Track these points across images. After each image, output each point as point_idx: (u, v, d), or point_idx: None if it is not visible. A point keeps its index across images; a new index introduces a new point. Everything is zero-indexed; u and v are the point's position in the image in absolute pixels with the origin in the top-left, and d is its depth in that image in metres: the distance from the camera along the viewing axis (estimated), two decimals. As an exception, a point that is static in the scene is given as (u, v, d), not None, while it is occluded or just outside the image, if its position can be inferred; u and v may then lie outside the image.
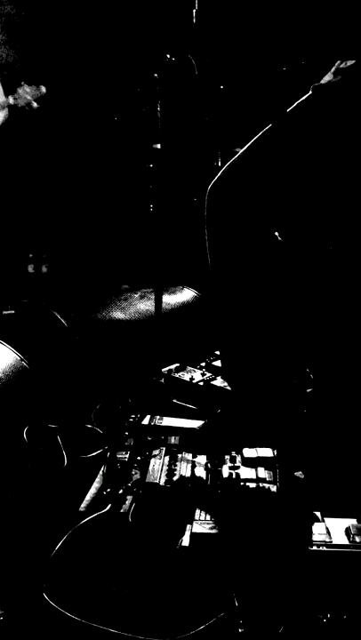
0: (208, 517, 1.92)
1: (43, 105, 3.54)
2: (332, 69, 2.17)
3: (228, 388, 2.78)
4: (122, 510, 2.02)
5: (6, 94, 3.58)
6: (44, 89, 3.49)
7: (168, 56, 3.20)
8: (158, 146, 3.06)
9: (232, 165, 2.23)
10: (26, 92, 3.48)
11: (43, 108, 3.62)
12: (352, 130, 2.10)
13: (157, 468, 2.23)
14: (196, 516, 1.92)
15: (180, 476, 2.17)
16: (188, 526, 1.88)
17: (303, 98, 2.19)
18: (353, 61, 2.10)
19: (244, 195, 2.18)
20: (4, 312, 3.88)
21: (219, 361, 3.14)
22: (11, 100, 3.51)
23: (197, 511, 1.95)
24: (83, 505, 2.09)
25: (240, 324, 2.27)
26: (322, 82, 2.19)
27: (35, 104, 3.51)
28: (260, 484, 2.07)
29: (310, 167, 2.16)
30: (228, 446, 2.24)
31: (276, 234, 2.24)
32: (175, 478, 2.17)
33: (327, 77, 2.18)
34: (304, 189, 2.19)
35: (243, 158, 2.22)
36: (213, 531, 1.85)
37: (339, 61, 2.17)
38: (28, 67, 4.07)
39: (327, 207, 2.24)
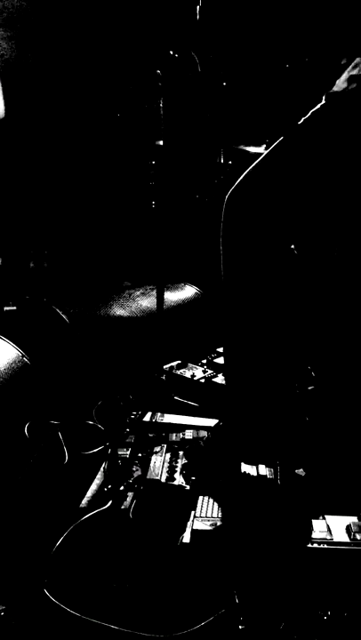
0: (209, 514, 1.92)
1: (26, 81, 3.49)
2: (344, 76, 2.15)
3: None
4: (123, 507, 2.03)
5: None
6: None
7: (171, 53, 3.20)
8: (161, 142, 3.06)
9: (251, 173, 2.22)
10: None
11: (42, 101, 3.59)
12: None
13: (159, 464, 2.23)
14: (198, 513, 1.92)
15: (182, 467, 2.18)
16: (189, 523, 1.88)
17: (317, 106, 2.17)
18: None
19: (262, 204, 2.17)
20: (6, 308, 3.89)
21: (220, 358, 3.14)
22: None
23: (198, 508, 1.95)
24: (84, 501, 2.09)
25: (248, 327, 2.27)
26: (335, 89, 2.18)
27: None
28: (262, 482, 2.07)
29: (325, 178, 2.15)
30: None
31: (293, 246, 2.25)
32: (177, 474, 2.17)
33: (341, 84, 2.16)
34: (319, 201, 2.18)
35: (262, 166, 2.21)
36: (214, 527, 1.86)
37: (351, 66, 2.15)
38: (30, 62, 4.06)
39: (341, 218, 2.24)
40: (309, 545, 1.73)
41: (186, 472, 2.19)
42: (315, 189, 2.14)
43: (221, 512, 1.94)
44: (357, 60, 2.12)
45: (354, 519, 1.83)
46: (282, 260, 2.22)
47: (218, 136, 3.96)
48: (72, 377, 2.92)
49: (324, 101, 2.16)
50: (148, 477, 2.16)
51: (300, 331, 2.31)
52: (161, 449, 2.34)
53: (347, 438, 2.26)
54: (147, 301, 3.46)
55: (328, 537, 1.75)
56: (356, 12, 2.17)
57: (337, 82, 2.17)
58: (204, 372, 3.02)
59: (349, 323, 2.29)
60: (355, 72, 2.11)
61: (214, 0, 3.57)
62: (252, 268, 2.21)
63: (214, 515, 1.93)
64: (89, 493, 2.14)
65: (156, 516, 2.01)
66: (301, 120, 2.15)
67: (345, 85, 2.12)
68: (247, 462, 2.16)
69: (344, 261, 2.24)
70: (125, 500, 2.06)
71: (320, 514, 1.84)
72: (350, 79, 2.11)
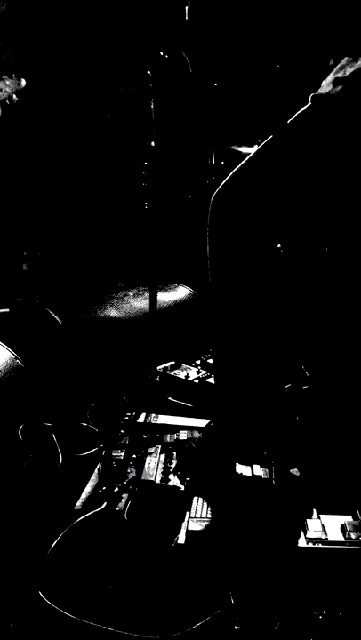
0: (204, 515, 1.92)
1: (24, 99, 3.53)
2: (330, 78, 2.16)
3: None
4: (117, 508, 2.03)
5: None
6: (24, 82, 3.48)
7: (162, 53, 3.19)
8: (153, 143, 3.06)
9: (236, 174, 2.22)
10: (6, 85, 3.47)
11: (34, 104, 3.60)
12: (353, 141, 2.10)
13: (153, 465, 2.23)
14: (192, 514, 1.92)
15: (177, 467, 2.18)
16: (184, 524, 1.88)
17: (303, 108, 2.18)
18: (352, 69, 2.09)
19: (247, 206, 2.17)
20: (-1, 310, 3.88)
21: (214, 359, 3.14)
22: None
23: (193, 508, 1.95)
24: (78, 503, 2.09)
25: (236, 327, 2.27)
26: (321, 91, 2.19)
27: (15, 97, 3.50)
28: (256, 482, 2.07)
29: (312, 178, 2.15)
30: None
31: (279, 246, 2.25)
32: (171, 475, 2.17)
33: (326, 87, 2.17)
34: (306, 201, 2.19)
35: (247, 167, 2.21)
36: (209, 528, 1.86)
37: (336, 68, 2.16)
38: (19, 64, 4.05)
39: (327, 217, 2.24)
40: (304, 544, 1.73)
41: (180, 473, 2.19)
42: (301, 190, 2.15)
43: (213, 512, 1.93)
44: (343, 61, 2.13)
45: (348, 518, 1.83)
46: (268, 260, 2.22)
47: (210, 137, 3.96)
48: (66, 379, 2.92)
49: (310, 103, 2.17)
50: (142, 479, 2.16)
51: (288, 330, 2.32)
52: (155, 450, 2.34)
53: (341, 438, 2.26)
54: (140, 302, 3.46)
55: (323, 536, 1.76)
56: (345, 12, 2.17)
57: (323, 84, 2.17)
58: (198, 372, 3.02)
59: (340, 321, 2.29)
60: (340, 74, 2.11)
61: (203, 0, 3.57)
62: (238, 269, 2.21)
63: (209, 515, 1.93)
64: (83, 495, 2.13)
65: (150, 518, 2.01)
66: (288, 121, 2.15)
67: (330, 88, 2.13)
68: (241, 462, 2.16)
69: (334, 259, 2.25)
70: (120, 501, 2.06)
71: (315, 513, 1.85)
72: (335, 82, 2.12)
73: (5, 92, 3.44)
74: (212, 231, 2.24)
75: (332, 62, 2.19)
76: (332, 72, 2.15)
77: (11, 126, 3.89)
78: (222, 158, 3.87)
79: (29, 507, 2.13)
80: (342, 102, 2.09)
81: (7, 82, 3.44)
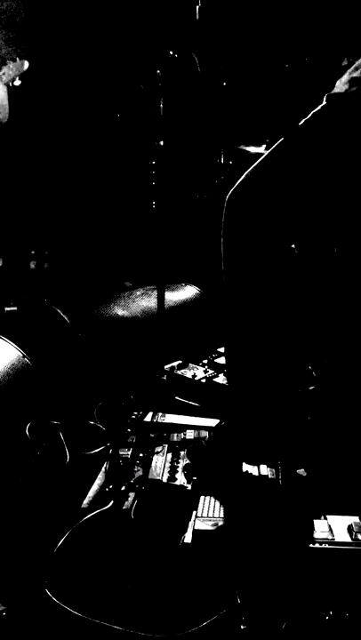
0: (210, 514, 1.92)
1: (27, 82, 3.54)
2: (345, 78, 2.15)
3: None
4: (124, 507, 2.03)
5: None
6: (26, 64, 3.50)
7: (171, 53, 3.20)
8: (161, 143, 3.06)
9: (251, 174, 2.22)
10: (10, 69, 3.49)
11: (44, 103, 3.62)
12: None
13: (160, 464, 2.23)
14: (199, 513, 1.92)
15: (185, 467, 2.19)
16: (191, 523, 1.88)
17: (318, 108, 2.17)
18: None
19: (262, 205, 2.17)
20: (7, 308, 3.89)
21: (221, 358, 3.14)
22: None
23: (200, 508, 1.95)
24: (85, 501, 2.09)
25: (249, 327, 2.27)
26: (336, 90, 2.18)
27: (18, 81, 3.51)
28: (263, 481, 2.07)
29: (327, 178, 2.15)
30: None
31: (293, 246, 2.25)
32: (178, 474, 2.17)
33: (342, 86, 2.16)
34: (320, 201, 2.19)
35: (262, 167, 2.21)
36: (216, 528, 1.86)
37: (352, 68, 2.15)
38: (31, 65, 4.06)
39: (341, 218, 2.24)
40: (311, 545, 1.73)
41: (188, 472, 2.19)
42: (315, 190, 2.14)
43: (220, 511, 1.93)
44: (359, 61, 2.12)
45: (355, 519, 1.82)
46: (283, 260, 2.22)
47: (218, 136, 3.96)
48: (73, 377, 2.92)
49: (325, 102, 2.16)
50: (149, 477, 2.16)
51: (301, 330, 2.31)
52: (162, 449, 2.34)
53: (348, 438, 2.26)
54: (147, 301, 3.46)
55: (330, 537, 1.75)
56: (356, 12, 2.17)
57: (337, 83, 2.17)
58: (205, 372, 3.02)
59: (350, 322, 2.29)
60: (356, 74, 2.11)
61: (214, 0, 3.57)
62: (252, 269, 2.21)
63: (216, 515, 1.93)
64: (90, 494, 2.14)
65: (157, 517, 2.01)
66: (302, 121, 2.15)
67: (346, 87, 2.12)
68: (249, 462, 2.16)
69: (344, 260, 2.24)
70: (127, 500, 2.06)
71: (322, 514, 1.84)
72: (352, 81, 2.11)
73: (9, 74, 3.46)
74: (227, 231, 2.24)
75: (345, 62, 2.19)
76: (348, 72, 2.14)
77: (19, 124, 3.90)
78: (231, 158, 3.87)
79: (36, 504, 2.14)
80: (358, 102, 2.08)
81: (11, 65, 3.46)
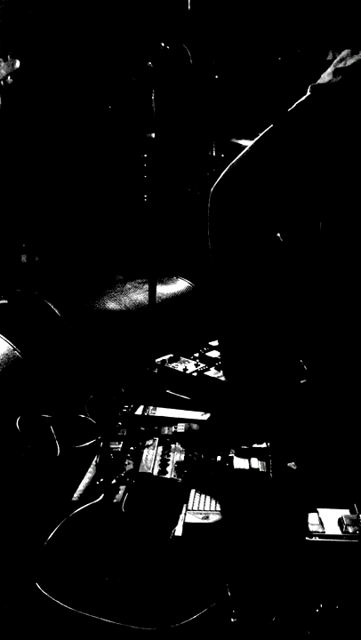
0: (201, 507, 1.92)
1: (20, 81, 3.51)
2: (330, 69, 2.15)
3: (222, 379, 2.77)
4: (115, 500, 2.02)
5: None
6: (18, 63, 3.47)
7: (163, 44, 3.18)
8: (153, 135, 3.05)
9: (235, 166, 2.22)
10: (1, 67, 3.46)
11: (33, 95, 3.59)
12: (352, 130, 2.09)
13: (151, 458, 2.23)
14: (190, 506, 1.92)
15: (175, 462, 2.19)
16: (181, 516, 1.88)
17: (303, 98, 2.17)
18: (353, 60, 2.08)
19: (247, 196, 2.17)
20: (-3, 302, 3.87)
21: (212, 352, 3.14)
22: None
23: (190, 501, 1.95)
24: (75, 495, 2.09)
25: (240, 317, 2.27)
26: (320, 81, 2.18)
27: (10, 79, 3.48)
28: (253, 475, 2.08)
29: (311, 168, 2.15)
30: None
31: (278, 235, 2.25)
32: (169, 468, 2.17)
33: (326, 77, 2.16)
34: (305, 190, 2.18)
35: (246, 159, 2.21)
36: (206, 521, 1.86)
37: (337, 60, 2.15)
38: (21, 56, 4.03)
39: (327, 208, 2.24)
40: (308, 538, 1.74)
41: (178, 465, 2.18)
42: (300, 180, 2.14)
43: (210, 504, 1.94)
44: (343, 53, 2.12)
45: (346, 512, 1.83)
46: (269, 250, 2.22)
47: (210, 129, 3.94)
48: (64, 370, 2.92)
49: (309, 93, 2.17)
50: (140, 471, 2.16)
51: (290, 322, 2.32)
52: (153, 442, 2.34)
53: (338, 431, 2.27)
54: (139, 295, 3.45)
55: (320, 530, 1.76)
56: (346, 4, 2.16)
57: (322, 75, 2.17)
58: (197, 365, 3.02)
59: (340, 313, 2.29)
60: (341, 65, 2.10)
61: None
62: (240, 259, 2.21)
63: (206, 508, 1.93)
64: (81, 487, 2.13)
65: (148, 510, 2.01)
66: (288, 110, 2.14)
67: (330, 78, 2.12)
68: (239, 455, 2.16)
69: (329, 248, 2.25)
70: (117, 493, 2.06)
71: (312, 507, 1.85)
72: (336, 72, 2.11)
73: (0, 73, 3.43)
74: (213, 223, 2.24)
75: (330, 57, 2.19)
76: (333, 63, 2.14)
77: (10, 117, 3.87)
78: (223, 151, 3.86)
79: (27, 498, 2.13)
80: (342, 92, 2.08)
81: (1, 64, 3.43)
